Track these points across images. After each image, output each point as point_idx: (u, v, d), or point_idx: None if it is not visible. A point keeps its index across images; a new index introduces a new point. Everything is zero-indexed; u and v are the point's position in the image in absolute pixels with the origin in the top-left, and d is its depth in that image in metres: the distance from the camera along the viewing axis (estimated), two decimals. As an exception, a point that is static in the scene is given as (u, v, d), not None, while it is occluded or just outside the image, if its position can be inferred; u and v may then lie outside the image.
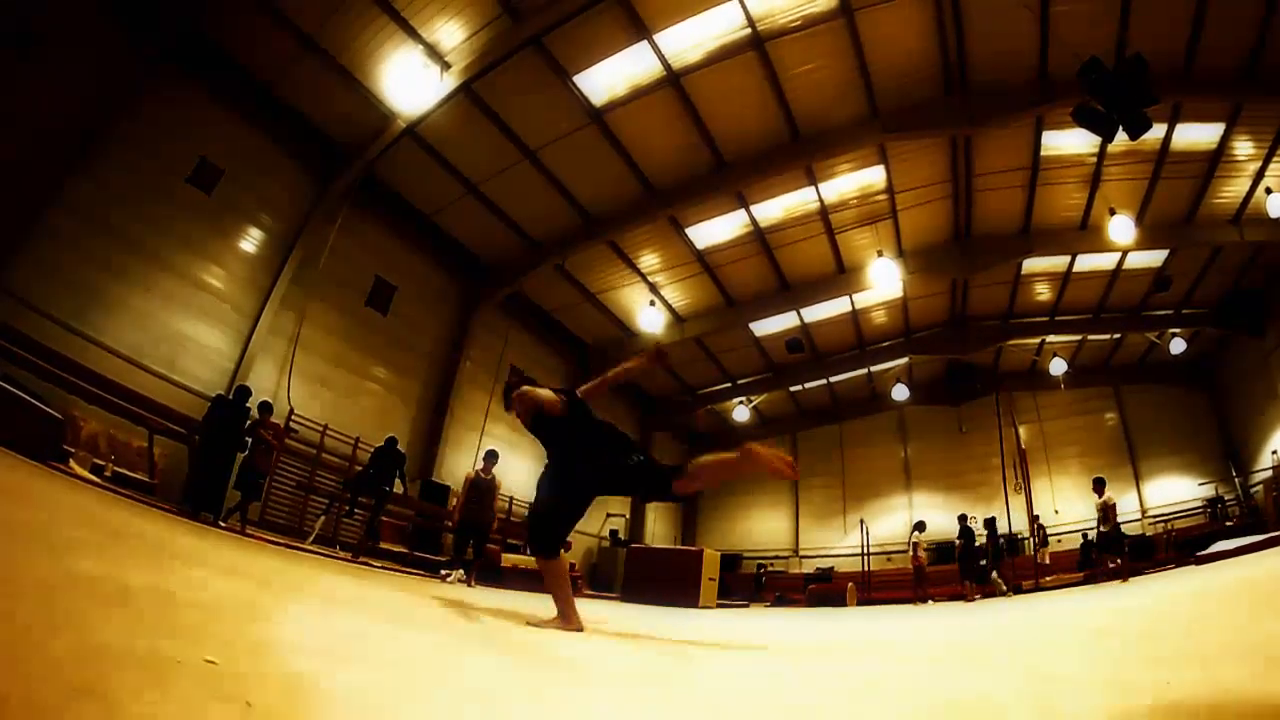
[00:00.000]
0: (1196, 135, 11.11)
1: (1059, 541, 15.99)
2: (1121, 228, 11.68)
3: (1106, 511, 9.93)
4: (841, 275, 14.83)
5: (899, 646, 3.20)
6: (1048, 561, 13.58)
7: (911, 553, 12.50)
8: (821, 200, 12.87)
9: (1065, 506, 17.11)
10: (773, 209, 13.15)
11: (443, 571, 7.60)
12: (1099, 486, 10.34)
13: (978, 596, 11.10)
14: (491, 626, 2.92)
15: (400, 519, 11.52)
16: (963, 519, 12.30)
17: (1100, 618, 3.79)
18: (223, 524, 7.26)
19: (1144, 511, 16.31)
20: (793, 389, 19.85)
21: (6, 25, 7.24)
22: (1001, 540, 13.44)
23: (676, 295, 15.64)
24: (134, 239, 8.77)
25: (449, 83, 9.81)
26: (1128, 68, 7.61)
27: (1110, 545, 9.94)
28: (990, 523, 12.13)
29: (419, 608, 3.30)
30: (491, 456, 8.05)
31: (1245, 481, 15.25)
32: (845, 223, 13.49)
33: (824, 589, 14.76)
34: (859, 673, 2.10)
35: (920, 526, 13.11)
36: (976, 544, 11.82)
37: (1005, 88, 10.36)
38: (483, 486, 7.83)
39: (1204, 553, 9.41)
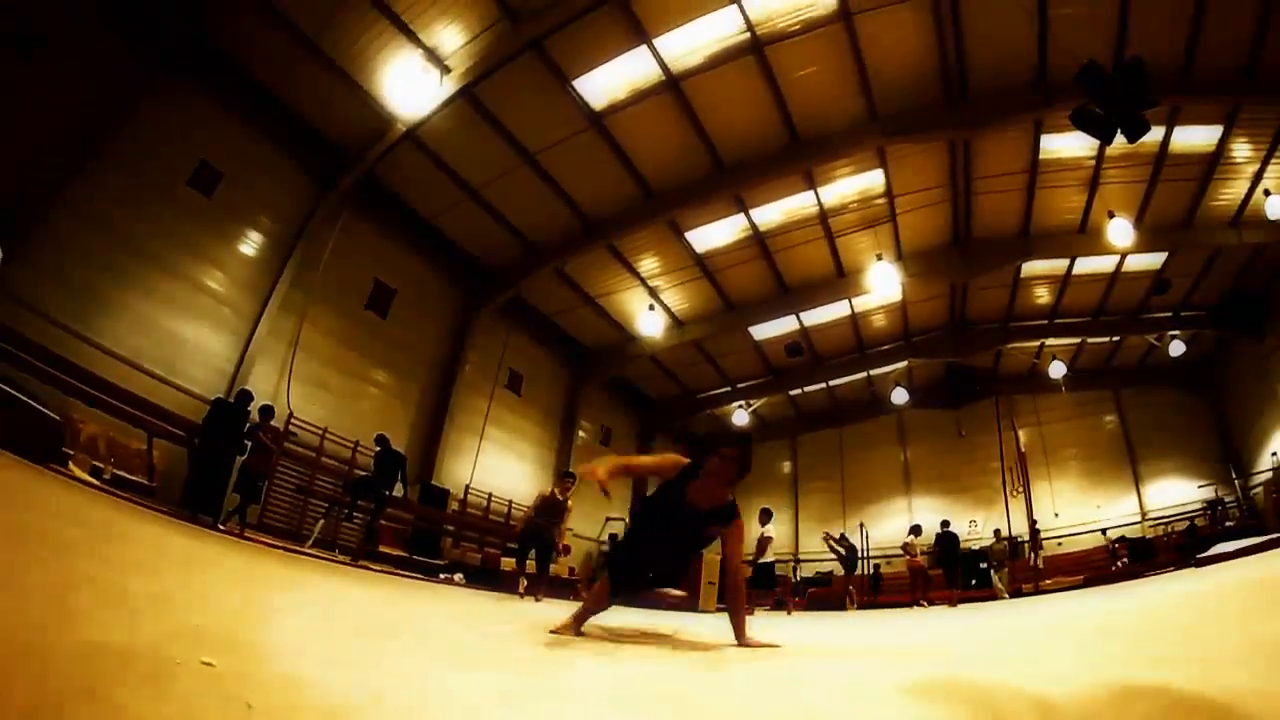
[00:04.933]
0: (1195, 138, 11.14)
1: (1059, 545, 16.01)
2: (1120, 230, 11.70)
3: (762, 544, 10.11)
4: (841, 279, 14.83)
5: (898, 648, 3.19)
6: (1042, 565, 13.59)
7: (907, 555, 12.49)
8: (821, 204, 12.88)
9: (1065, 510, 17.12)
10: (772, 213, 13.17)
11: (441, 575, 7.60)
12: (764, 518, 10.32)
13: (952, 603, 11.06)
14: (500, 633, 2.92)
15: (399, 523, 11.49)
16: (944, 524, 12.29)
17: (1100, 619, 3.79)
18: (221, 527, 7.25)
19: (1144, 514, 16.30)
20: (792, 393, 19.83)
21: (7, 27, 7.26)
22: (1004, 544, 13.44)
23: (676, 299, 15.64)
24: (134, 241, 8.78)
25: (449, 87, 9.84)
26: (1126, 70, 7.61)
27: (765, 580, 10.07)
28: (945, 524, 12.24)
29: (417, 612, 3.30)
30: (568, 478, 8.00)
31: (1245, 483, 15.24)
32: (844, 226, 13.50)
33: (823, 593, 14.75)
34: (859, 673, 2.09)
35: (916, 530, 13.12)
36: (962, 549, 11.84)
37: (1004, 91, 10.39)
38: (548, 504, 7.75)
39: (1204, 554, 9.40)
